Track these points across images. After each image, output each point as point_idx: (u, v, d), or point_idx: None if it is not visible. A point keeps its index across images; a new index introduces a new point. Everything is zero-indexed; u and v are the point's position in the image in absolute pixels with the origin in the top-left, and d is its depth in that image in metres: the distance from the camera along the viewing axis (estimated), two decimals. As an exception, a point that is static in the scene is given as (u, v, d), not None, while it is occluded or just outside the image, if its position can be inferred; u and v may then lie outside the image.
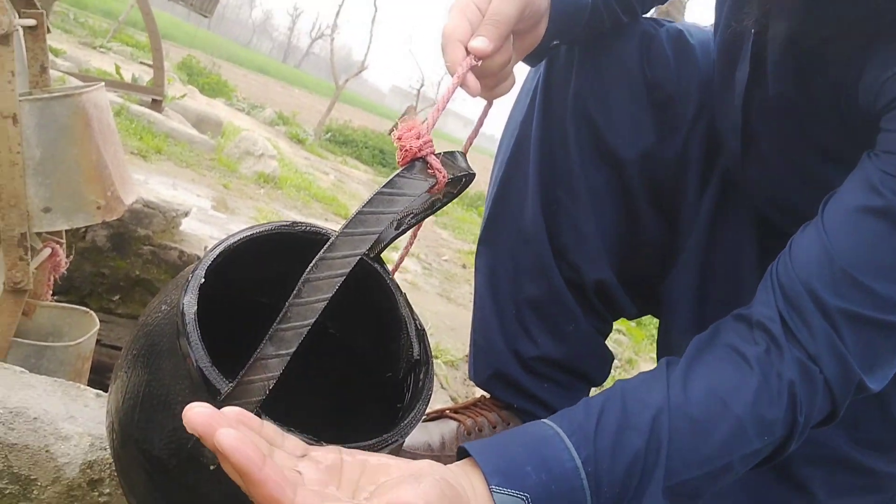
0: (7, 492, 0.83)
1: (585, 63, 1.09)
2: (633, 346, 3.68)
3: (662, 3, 1.13)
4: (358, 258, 0.66)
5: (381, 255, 0.82)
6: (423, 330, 0.80)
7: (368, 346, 0.89)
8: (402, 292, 0.81)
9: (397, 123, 0.76)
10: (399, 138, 0.73)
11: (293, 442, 0.58)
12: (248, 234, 0.75)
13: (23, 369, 0.98)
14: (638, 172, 1.11)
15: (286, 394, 0.70)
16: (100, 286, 2.32)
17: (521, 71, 1.11)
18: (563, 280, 1.14)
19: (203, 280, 0.68)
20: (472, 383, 2.01)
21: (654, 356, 1.29)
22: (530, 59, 1.06)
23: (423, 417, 1.02)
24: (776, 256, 0.85)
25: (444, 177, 0.75)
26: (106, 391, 0.82)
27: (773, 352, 0.79)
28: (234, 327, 0.80)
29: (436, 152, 0.75)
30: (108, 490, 0.87)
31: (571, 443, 0.73)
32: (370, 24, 12.96)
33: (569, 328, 1.16)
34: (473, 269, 1.25)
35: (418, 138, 0.73)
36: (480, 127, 0.96)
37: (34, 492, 0.84)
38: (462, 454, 0.74)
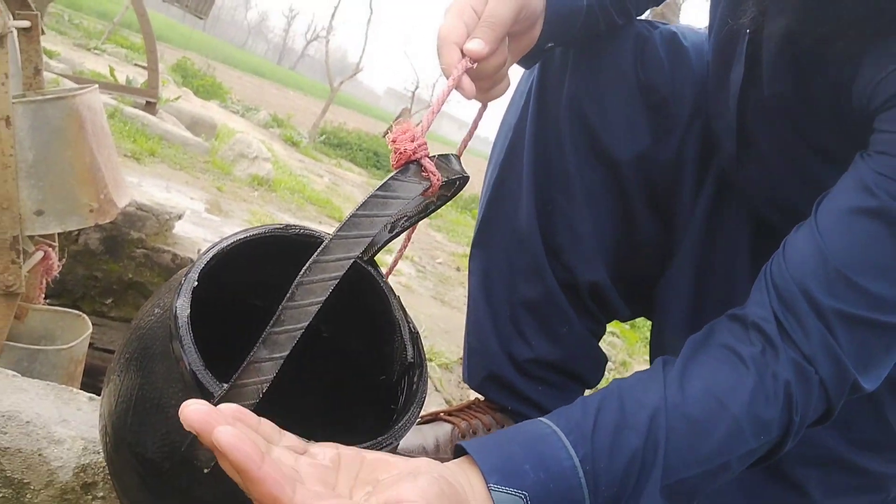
0: (0, 496, 0.83)
1: (580, 65, 1.09)
2: (626, 349, 3.69)
3: (657, 5, 1.13)
4: (352, 261, 0.66)
5: (375, 258, 0.82)
6: (417, 333, 0.80)
7: (362, 349, 0.89)
8: (395, 295, 0.81)
9: (392, 126, 0.76)
10: (393, 141, 0.73)
11: (291, 439, 0.58)
12: (242, 236, 0.75)
13: (15, 373, 0.97)
14: (633, 174, 1.11)
15: (280, 397, 0.70)
16: (92, 289, 2.32)
17: (515, 73, 1.11)
18: (556, 282, 1.14)
19: (196, 283, 0.68)
20: (466, 386, 2.01)
21: (648, 358, 1.29)
22: (525, 62, 1.06)
23: (418, 420, 1.02)
24: (770, 258, 0.86)
25: (438, 180, 0.75)
26: (99, 395, 0.82)
27: (768, 352, 0.79)
28: (228, 330, 0.80)
29: (430, 155, 0.75)
30: (101, 494, 0.87)
31: (569, 441, 0.73)
32: (365, 26, 12.98)
33: (563, 330, 1.16)
34: (467, 272, 1.25)
35: (413, 141, 0.73)
36: (475, 129, 0.96)
37: (27, 496, 0.84)
38: (459, 452, 0.74)
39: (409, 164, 0.74)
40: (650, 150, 1.10)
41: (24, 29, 1.48)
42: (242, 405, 0.58)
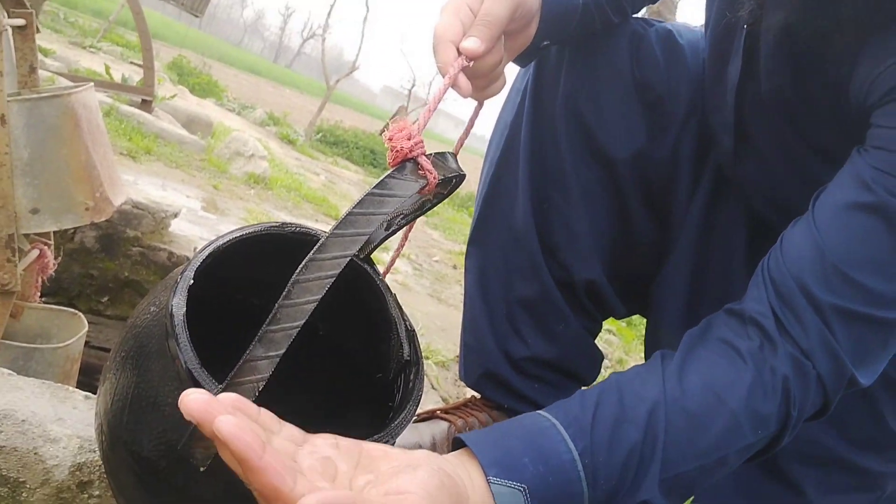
0: (-5, 494, 0.83)
1: (576, 63, 1.09)
2: (623, 346, 3.69)
3: (653, 3, 1.13)
4: (348, 259, 0.66)
5: (372, 256, 0.82)
6: (413, 331, 0.80)
7: (358, 347, 0.89)
8: (392, 293, 0.81)
9: (388, 124, 0.76)
10: (390, 139, 0.73)
11: (290, 430, 0.58)
12: (238, 234, 0.75)
13: (10, 371, 0.97)
14: (629, 172, 1.11)
15: (276, 395, 0.70)
16: (88, 287, 2.31)
17: (511, 71, 1.11)
18: (553, 280, 1.15)
19: (192, 281, 0.68)
20: (462, 384, 2.01)
21: (644, 356, 1.29)
22: (521, 60, 1.06)
23: (414, 418, 1.02)
24: (767, 253, 0.86)
25: (434, 178, 0.75)
26: (95, 393, 0.82)
27: (766, 347, 0.79)
28: (224, 328, 0.80)
29: (427, 153, 0.75)
30: (97, 492, 0.87)
31: (568, 434, 0.74)
32: (362, 23, 12.96)
33: (559, 328, 1.16)
34: (464, 270, 1.25)
35: (409, 139, 0.73)
36: (471, 127, 0.96)
37: (23, 494, 0.84)
38: (457, 445, 0.74)
39: (406, 162, 0.74)
40: (646, 148, 1.10)
41: (20, 27, 1.47)
42: (239, 403, 0.58)
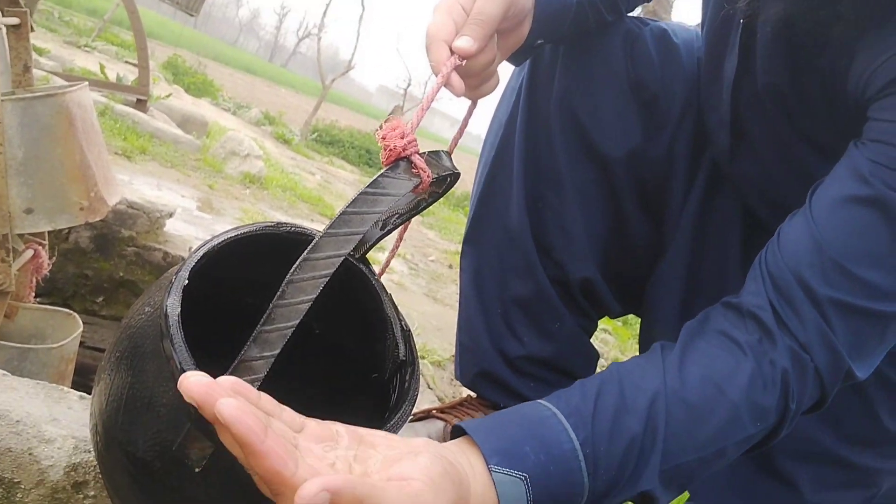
0: (-10, 495, 0.83)
1: (570, 62, 1.09)
2: (619, 345, 3.69)
3: (648, 2, 1.13)
4: (342, 259, 0.66)
5: (367, 256, 0.82)
6: (409, 330, 0.80)
7: (354, 347, 0.89)
8: (387, 293, 0.81)
9: (383, 124, 0.76)
10: (383, 138, 0.73)
11: (290, 414, 0.57)
12: (233, 234, 0.75)
13: (5, 372, 0.97)
14: (624, 171, 1.11)
15: (271, 395, 0.70)
16: (83, 288, 2.31)
17: (505, 70, 1.11)
18: (548, 278, 1.15)
19: (187, 281, 0.68)
20: (458, 383, 2.01)
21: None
22: (515, 59, 1.06)
23: (410, 418, 1.02)
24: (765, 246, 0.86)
25: (428, 176, 0.75)
26: (90, 393, 0.81)
27: (765, 341, 0.80)
28: (219, 328, 0.80)
29: (420, 152, 0.75)
30: (92, 493, 0.87)
31: (569, 424, 0.74)
32: (357, 23, 12.94)
33: (554, 326, 1.16)
34: (459, 269, 1.25)
35: (402, 138, 0.73)
36: (465, 126, 0.96)
37: (18, 495, 0.84)
38: (457, 434, 0.74)
39: (399, 161, 0.74)
40: (641, 147, 1.10)
41: (14, 26, 1.47)
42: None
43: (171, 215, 2.49)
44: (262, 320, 0.60)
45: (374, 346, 0.83)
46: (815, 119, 0.93)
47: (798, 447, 1.04)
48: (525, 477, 0.69)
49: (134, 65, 5.32)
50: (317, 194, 5.36)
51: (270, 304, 0.61)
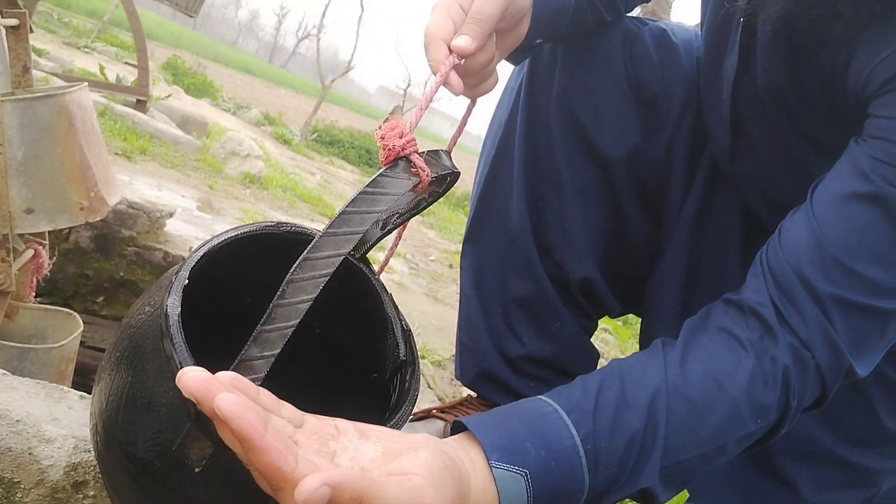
0: (-10, 495, 0.83)
1: (569, 62, 1.09)
2: (619, 345, 3.69)
3: (647, 2, 1.13)
4: (342, 258, 0.66)
5: (368, 256, 0.82)
6: (409, 330, 0.80)
7: (354, 347, 0.89)
8: (387, 292, 0.81)
9: (382, 124, 0.76)
10: (382, 137, 0.73)
11: (290, 410, 0.57)
12: (233, 234, 0.75)
13: (5, 371, 0.97)
14: (623, 171, 1.11)
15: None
16: (83, 288, 2.31)
17: (504, 69, 1.12)
18: (548, 278, 1.15)
19: (187, 281, 0.68)
20: (458, 383, 2.01)
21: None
22: (513, 58, 1.06)
23: (411, 417, 1.02)
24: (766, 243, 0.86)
25: (427, 175, 0.75)
26: (90, 393, 0.81)
27: (766, 337, 0.80)
28: (219, 328, 0.80)
29: (419, 151, 0.75)
30: (92, 492, 0.87)
31: (570, 420, 0.74)
32: (357, 23, 12.93)
33: (554, 326, 1.16)
34: (459, 269, 1.25)
35: (401, 137, 0.73)
36: (464, 125, 0.96)
37: (17, 494, 0.84)
38: (457, 430, 0.74)
39: (399, 161, 0.74)
40: (640, 147, 1.10)
41: (13, 27, 1.47)
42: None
43: (171, 215, 2.49)
44: (263, 320, 0.60)
45: (375, 346, 0.83)
46: (815, 117, 0.93)
47: (798, 447, 1.03)
48: (525, 473, 0.69)
49: (133, 66, 5.33)
50: (317, 194, 5.36)
51: (271, 304, 0.61)
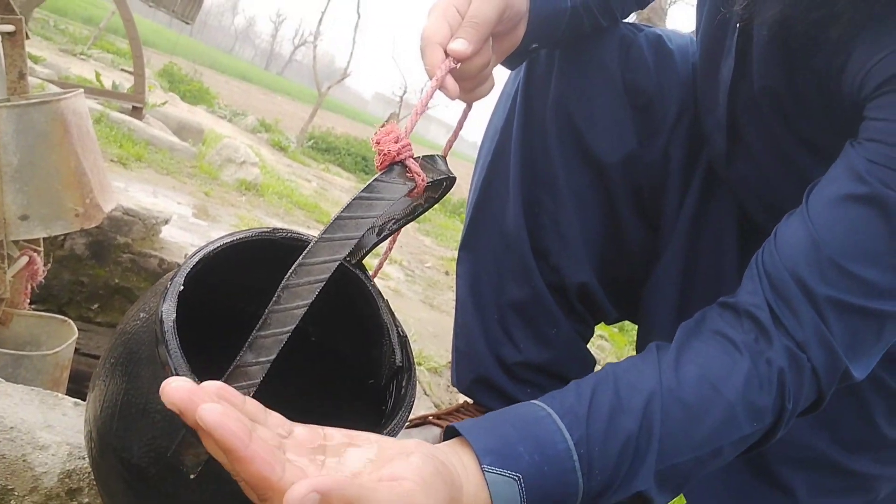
0: (-17, 503, 0.82)
1: (566, 67, 1.09)
2: (615, 352, 3.69)
3: (642, 8, 1.14)
4: (337, 263, 0.66)
5: (363, 263, 0.82)
6: (406, 337, 0.80)
7: (351, 353, 0.89)
8: (383, 298, 0.81)
9: (378, 129, 0.76)
10: (377, 142, 0.73)
11: (276, 419, 0.56)
12: (228, 240, 0.74)
13: (-1, 379, 0.96)
14: (619, 176, 1.11)
15: (267, 400, 0.70)
16: (78, 294, 2.30)
17: (500, 74, 1.12)
18: (544, 283, 1.14)
19: (182, 287, 0.68)
20: (455, 390, 2.01)
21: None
22: (510, 62, 1.06)
23: (407, 424, 1.02)
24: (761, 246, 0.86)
25: (423, 180, 0.74)
26: (85, 400, 0.81)
27: (761, 340, 0.79)
28: (215, 334, 0.79)
29: (415, 156, 0.75)
30: (86, 500, 0.86)
31: (564, 424, 0.73)
32: (353, 31, 12.96)
33: (551, 332, 1.16)
34: (455, 275, 1.25)
35: (396, 142, 0.73)
36: (460, 130, 0.96)
37: (11, 502, 0.83)
38: (449, 435, 0.74)
39: (394, 166, 0.74)
40: (636, 152, 1.10)
41: (9, 33, 1.47)
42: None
43: (166, 222, 2.49)
44: (258, 326, 0.60)
45: (371, 352, 0.83)
46: (811, 121, 0.93)
47: (794, 453, 1.03)
48: (518, 477, 0.69)
49: (130, 73, 5.33)
50: (313, 201, 5.36)
51: (266, 310, 0.61)
